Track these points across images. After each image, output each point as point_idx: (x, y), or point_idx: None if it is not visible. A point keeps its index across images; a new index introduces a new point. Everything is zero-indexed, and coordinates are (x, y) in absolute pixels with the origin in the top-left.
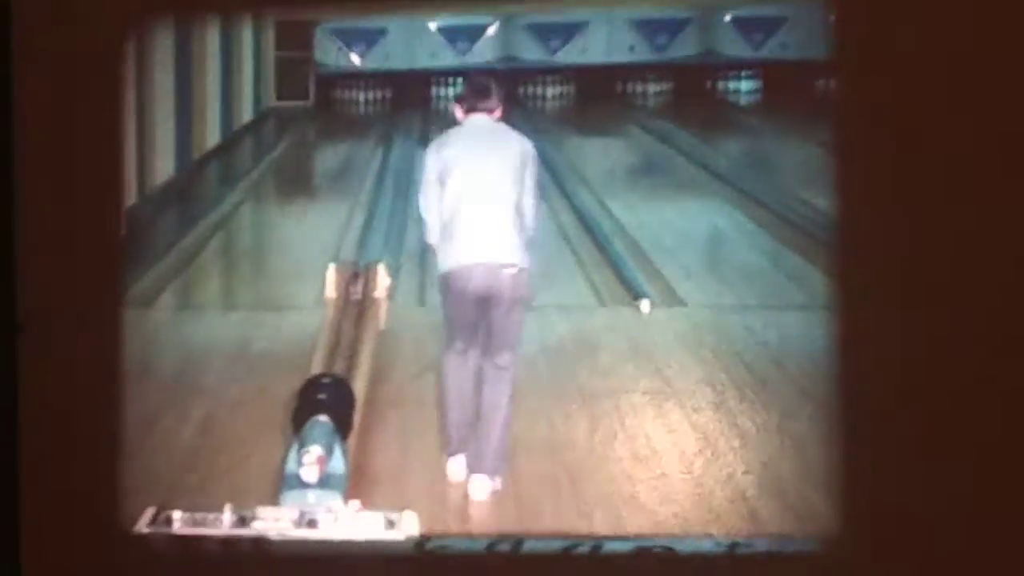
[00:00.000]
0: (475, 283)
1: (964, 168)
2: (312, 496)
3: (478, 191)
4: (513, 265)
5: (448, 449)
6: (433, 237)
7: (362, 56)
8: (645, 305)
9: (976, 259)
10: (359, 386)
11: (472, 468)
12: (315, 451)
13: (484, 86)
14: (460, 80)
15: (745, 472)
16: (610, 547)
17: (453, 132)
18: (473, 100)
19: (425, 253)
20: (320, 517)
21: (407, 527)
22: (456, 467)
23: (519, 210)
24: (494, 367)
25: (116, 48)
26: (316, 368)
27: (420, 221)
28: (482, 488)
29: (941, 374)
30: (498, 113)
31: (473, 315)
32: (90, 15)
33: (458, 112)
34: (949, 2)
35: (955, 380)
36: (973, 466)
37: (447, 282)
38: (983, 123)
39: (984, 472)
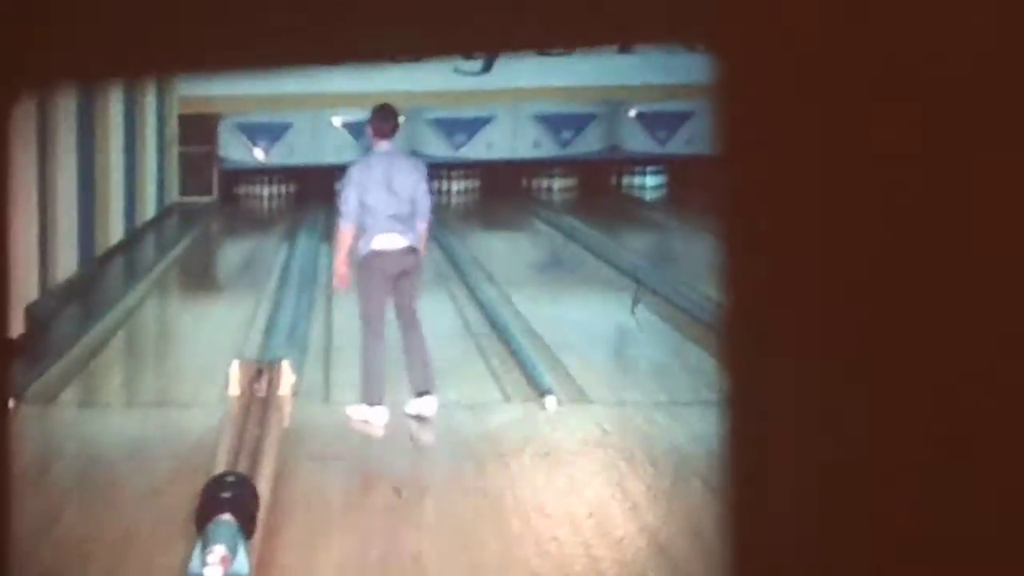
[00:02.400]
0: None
1: (851, 254)
2: None
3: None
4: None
5: (372, 400)
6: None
7: (266, 151)
8: (551, 402)
9: (870, 345)
10: (263, 485)
11: (423, 391)
12: (219, 551)
13: (391, 112)
14: None
15: (635, 536)
16: None
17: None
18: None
19: (329, 350)
20: None
21: None
22: (381, 414)
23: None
24: (411, 316)
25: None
26: (219, 466)
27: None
28: (433, 403)
29: (832, 451)
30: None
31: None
32: None
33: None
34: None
35: (847, 454)
36: (865, 538)
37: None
38: (870, 208)
39: (877, 547)
